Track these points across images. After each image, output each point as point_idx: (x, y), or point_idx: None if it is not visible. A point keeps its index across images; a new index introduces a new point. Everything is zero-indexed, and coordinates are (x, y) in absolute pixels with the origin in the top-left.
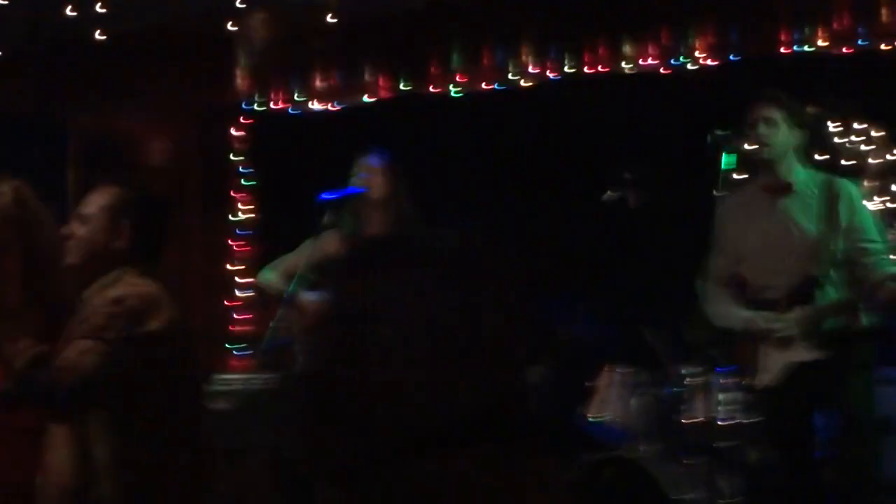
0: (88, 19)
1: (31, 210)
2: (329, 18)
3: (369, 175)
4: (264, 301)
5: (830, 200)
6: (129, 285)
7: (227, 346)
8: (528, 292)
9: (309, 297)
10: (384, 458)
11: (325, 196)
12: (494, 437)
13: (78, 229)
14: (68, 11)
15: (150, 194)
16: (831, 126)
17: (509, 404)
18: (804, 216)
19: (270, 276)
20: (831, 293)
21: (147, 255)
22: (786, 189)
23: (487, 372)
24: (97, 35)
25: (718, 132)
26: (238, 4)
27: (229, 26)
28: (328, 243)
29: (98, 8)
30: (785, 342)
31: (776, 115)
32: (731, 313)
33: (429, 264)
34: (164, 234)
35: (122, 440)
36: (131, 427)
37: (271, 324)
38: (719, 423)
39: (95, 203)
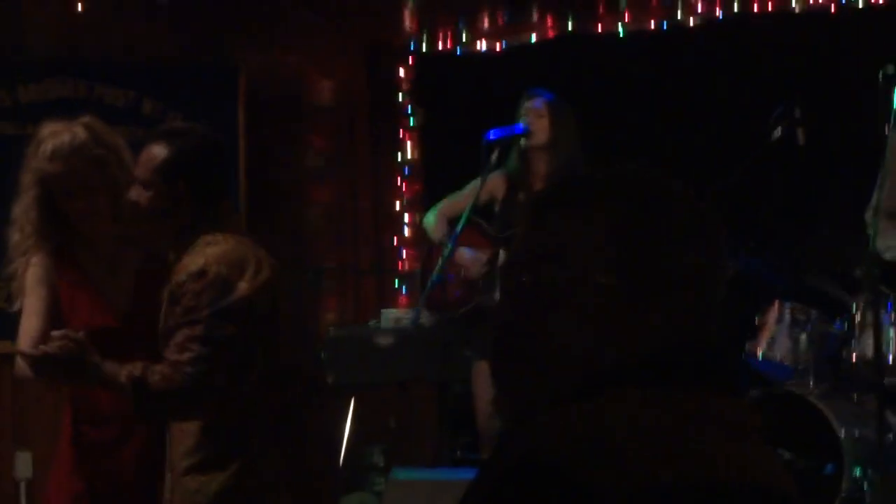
0: None
1: (110, 146)
2: None
3: (534, 117)
4: (429, 243)
5: None
6: (207, 250)
7: (395, 282)
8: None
9: (466, 254)
10: (564, 398)
11: (490, 134)
12: (675, 379)
13: (139, 195)
14: None
15: (199, 145)
16: None
17: (692, 344)
18: None
19: (432, 219)
20: None
21: (214, 207)
22: None
23: (671, 312)
24: None
25: (889, 68)
26: None
27: None
28: (493, 185)
29: None
30: None
31: None
32: None
33: (613, 201)
34: (223, 180)
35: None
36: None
37: (438, 261)
38: (889, 359)
39: (145, 166)
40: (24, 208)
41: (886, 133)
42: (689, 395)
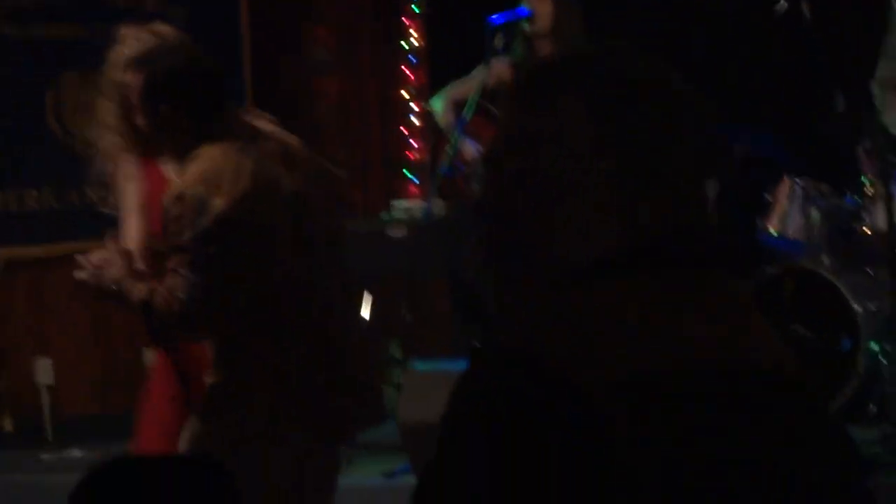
0: None
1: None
2: None
3: (538, 2)
4: (436, 129)
5: None
6: (190, 168)
7: (403, 172)
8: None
9: (469, 147)
10: (562, 284)
11: (494, 19)
12: (681, 261)
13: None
14: None
15: (172, 66)
16: None
17: (698, 225)
18: None
19: (439, 105)
20: None
21: (209, 119)
22: None
23: (674, 191)
24: None
25: None
26: None
27: None
28: (498, 69)
29: None
30: None
31: None
32: None
33: (608, 86)
34: (211, 92)
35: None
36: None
37: (446, 149)
38: None
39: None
40: (107, 111)
41: (890, 4)
42: (681, 282)
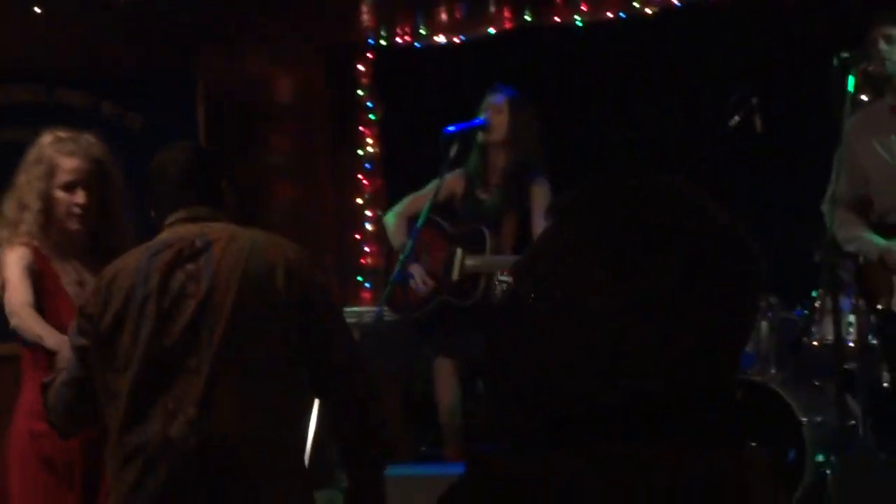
0: None
1: (112, 164)
2: None
3: (494, 113)
4: (389, 244)
5: None
6: None
7: (357, 278)
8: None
9: (416, 272)
10: (535, 436)
11: (449, 129)
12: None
13: None
14: None
15: (153, 162)
16: None
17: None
18: None
19: (392, 223)
20: None
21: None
22: None
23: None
24: None
25: (843, 54)
26: None
27: None
28: (452, 182)
29: None
30: None
31: (894, 32)
32: (862, 240)
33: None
34: (164, 191)
35: None
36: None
37: (399, 258)
38: (849, 344)
39: None
40: (19, 203)
41: (842, 117)
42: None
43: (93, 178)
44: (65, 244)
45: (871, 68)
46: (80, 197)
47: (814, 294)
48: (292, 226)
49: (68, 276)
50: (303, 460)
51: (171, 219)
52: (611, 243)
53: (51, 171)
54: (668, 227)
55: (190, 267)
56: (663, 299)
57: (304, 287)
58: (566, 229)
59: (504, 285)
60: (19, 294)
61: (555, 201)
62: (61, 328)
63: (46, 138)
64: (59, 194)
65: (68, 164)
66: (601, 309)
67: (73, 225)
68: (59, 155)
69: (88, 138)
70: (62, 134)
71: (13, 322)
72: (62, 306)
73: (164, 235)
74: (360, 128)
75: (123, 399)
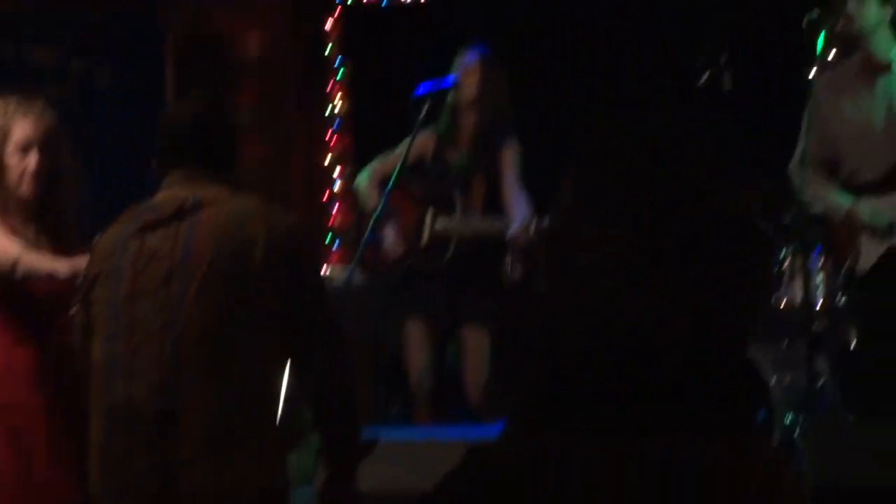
0: None
1: (62, 140)
2: None
3: (464, 72)
4: (360, 207)
5: None
6: None
7: (327, 237)
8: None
9: (387, 237)
10: (553, 415)
11: (419, 90)
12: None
13: None
14: None
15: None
16: None
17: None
18: None
19: (363, 185)
20: None
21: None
22: (884, 69)
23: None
24: None
25: (813, 14)
26: None
27: None
28: (422, 143)
29: None
30: (887, 232)
31: None
32: (829, 200)
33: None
34: (162, 147)
35: None
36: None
37: (370, 220)
38: (818, 305)
39: None
40: None
41: (810, 78)
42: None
43: (46, 141)
44: (17, 210)
45: (840, 27)
46: (32, 161)
47: (782, 254)
48: (260, 184)
49: (27, 242)
50: (274, 425)
51: (169, 178)
52: (615, 205)
53: (3, 136)
54: (672, 194)
55: (172, 228)
56: (659, 274)
57: (288, 259)
58: (575, 183)
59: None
60: (10, 243)
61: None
62: (26, 295)
63: None
64: (12, 160)
65: (21, 127)
66: (591, 266)
67: (27, 189)
68: (11, 120)
69: (40, 103)
70: (12, 101)
71: (20, 269)
72: None
73: (159, 197)
74: (328, 86)
75: (96, 361)
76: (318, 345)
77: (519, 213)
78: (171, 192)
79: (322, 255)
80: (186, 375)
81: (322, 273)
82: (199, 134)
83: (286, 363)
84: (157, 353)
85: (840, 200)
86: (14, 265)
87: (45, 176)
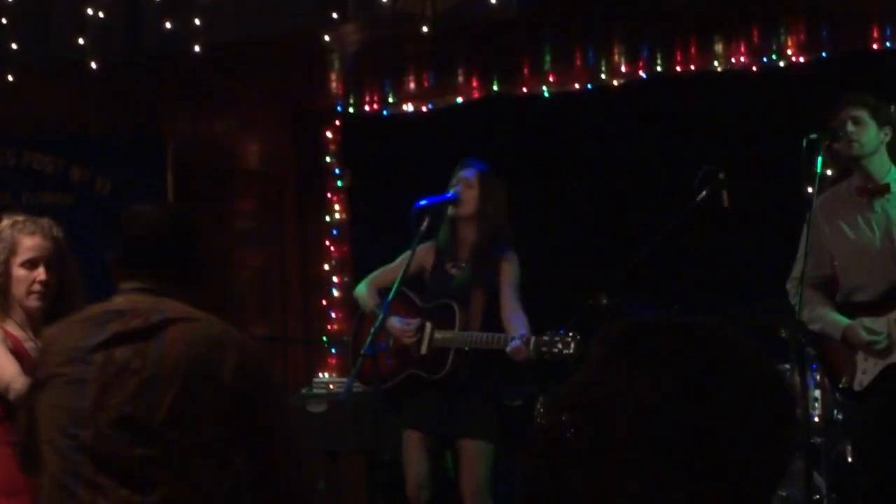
0: (186, 32)
1: (68, 255)
2: (423, 29)
3: (464, 187)
4: (360, 313)
5: None
6: None
7: (324, 344)
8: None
9: (395, 323)
10: None
11: (420, 203)
12: None
13: None
14: (167, 25)
15: None
16: None
17: None
18: None
19: (363, 290)
20: None
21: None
22: (882, 190)
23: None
24: (195, 48)
25: (813, 135)
26: (333, 16)
27: (325, 38)
28: (422, 255)
29: (196, 21)
30: (885, 352)
31: (863, 114)
32: (827, 319)
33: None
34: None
35: None
36: None
37: (370, 330)
38: (815, 419)
39: None
40: None
41: (809, 196)
42: None
43: (53, 256)
44: (25, 323)
45: (837, 147)
46: (41, 273)
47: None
48: (258, 291)
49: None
50: None
51: (127, 284)
52: (644, 390)
53: (12, 250)
54: (702, 375)
55: (139, 344)
56: (690, 452)
57: (252, 381)
58: (606, 370)
59: (539, 419)
60: (10, 366)
61: (596, 340)
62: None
63: (6, 222)
64: (20, 272)
65: (29, 242)
66: (629, 452)
67: (34, 302)
68: (19, 235)
69: (47, 220)
70: (21, 217)
71: (14, 390)
72: None
73: (119, 302)
74: (328, 194)
75: (52, 471)
76: (273, 467)
77: (517, 328)
78: (131, 299)
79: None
80: (154, 495)
81: (283, 399)
82: (160, 241)
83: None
84: (124, 469)
85: (837, 320)
86: (7, 388)
87: (52, 289)
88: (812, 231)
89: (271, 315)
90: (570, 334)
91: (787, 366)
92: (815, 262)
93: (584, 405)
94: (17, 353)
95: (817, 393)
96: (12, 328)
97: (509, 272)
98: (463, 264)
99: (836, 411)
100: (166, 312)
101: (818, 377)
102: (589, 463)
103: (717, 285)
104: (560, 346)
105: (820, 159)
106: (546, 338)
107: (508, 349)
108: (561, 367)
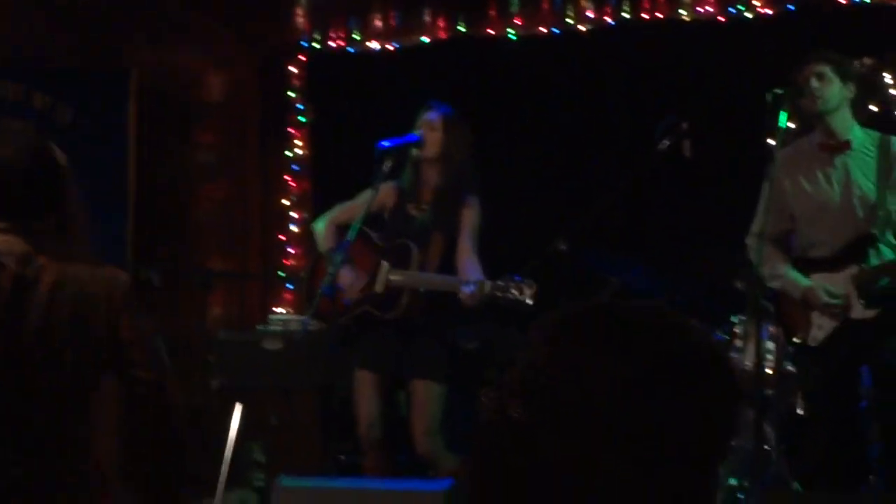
0: None
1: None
2: None
3: (428, 129)
4: (317, 251)
5: (888, 159)
6: None
7: (279, 277)
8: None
9: (346, 274)
10: None
11: (383, 143)
12: None
13: None
14: None
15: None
16: (888, 78)
17: None
18: (861, 174)
19: (321, 228)
20: (886, 252)
21: None
22: (843, 146)
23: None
24: None
25: (778, 90)
26: None
27: None
28: (384, 195)
29: None
30: (841, 311)
31: (826, 69)
32: (785, 278)
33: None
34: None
35: None
36: None
37: (327, 270)
38: (767, 371)
39: None
40: None
41: (772, 149)
42: None
43: None
44: None
45: (801, 102)
46: None
47: (733, 319)
48: (219, 224)
49: None
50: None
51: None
52: (592, 374)
53: None
54: (654, 360)
55: (13, 296)
56: (638, 436)
57: (120, 320)
58: (554, 353)
59: (488, 399)
60: None
61: (541, 323)
62: None
63: None
64: None
65: None
66: (577, 435)
67: None
68: None
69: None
70: None
71: None
72: None
73: None
74: (290, 129)
75: None
76: (142, 402)
77: (471, 274)
78: (5, 240)
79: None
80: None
81: (153, 334)
82: (30, 178)
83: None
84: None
85: (797, 279)
86: None
87: None
88: (772, 186)
89: (232, 248)
90: (526, 281)
91: (743, 317)
92: (775, 218)
93: (530, 389)
94: None
95: (770, 345)
96: None
97: (469, 218)
98: (424, 206)
99: (787, 364)
100: (37, 265)
101: (771, 329)
102: (536, 446)
103: (676, 235)
104: (515, 291)
105: (783, 114)
106: (501, 283)
107: (461, 294)
108: (514, 314)
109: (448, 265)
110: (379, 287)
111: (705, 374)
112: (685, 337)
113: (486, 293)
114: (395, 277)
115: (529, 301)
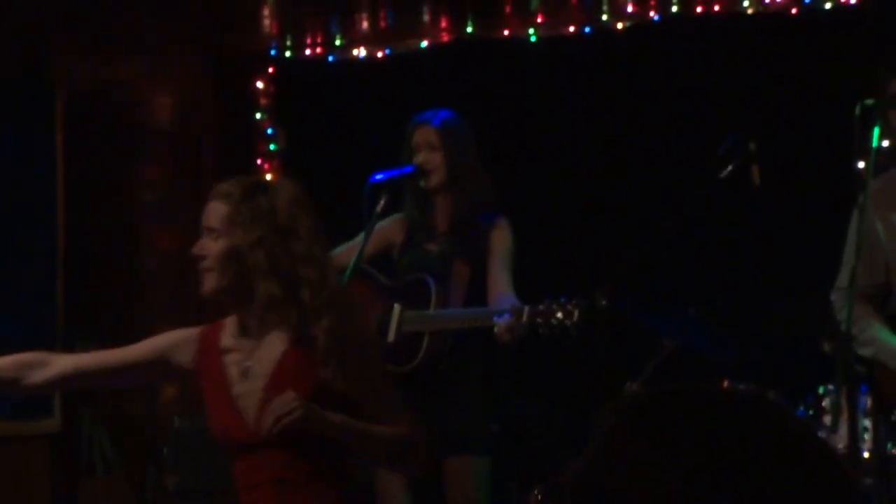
0: None
1: None
2: None
3: (426, 151)
4: None
5: None
6: None
7: None
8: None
9: None
10: None
11: (375, 177)
12: None
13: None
14: None
15: None
16: None
17: None
18: None
19: None
20: None
21: None
22: None
23: None
24: None
25: (869, 100)
26: None
27: None
28: (390, 230)
29: None
30: None
31: None
32: (879, 344)
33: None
34: None
35: None
36: None
37: None
38: (864, 454)
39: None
40: None
41: (862, 175)
42: None
43: None
44: None
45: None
46: None
47: (820, 391)
48: (169, 281)
49: None
50: None
51: None
52: (661, 467)
53: None
54: (741, 449)
55: None
56: None
57: None
58: (614, 444)
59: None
60: None
61: (604, 411)
62: None
63: None
64: None
65: None
66: None
67: None
68: None
69: None
70: None
71: None
72: None
73: None
74: (257, 159)
75: None
76: None
77: (507, 303)
78: None
79: None
80: None
81: None
82: None
83: None
84: None
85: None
86: None
87: None
88: (863, 226)
89: (185, 310)
90: (573, 302)
91: (832, 387)
92: (867, 267)
93: (588, 488)
94: None
95: (866, 421)
96: None
97: (500, 241)
98: (441, 238)
99: (890, 445)
100: None
101: (868, 402)
102: None
103: (742, 284)
104: (560, 315)
105: (877, 130)
106: (542, 307)
107: (496, 328)
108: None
109: (476, 302)
110: (391, 335)
111: (811, 469)
112: (782, 422)
113: (525, 321)
114: (409, 320)
115: (579, 324)
